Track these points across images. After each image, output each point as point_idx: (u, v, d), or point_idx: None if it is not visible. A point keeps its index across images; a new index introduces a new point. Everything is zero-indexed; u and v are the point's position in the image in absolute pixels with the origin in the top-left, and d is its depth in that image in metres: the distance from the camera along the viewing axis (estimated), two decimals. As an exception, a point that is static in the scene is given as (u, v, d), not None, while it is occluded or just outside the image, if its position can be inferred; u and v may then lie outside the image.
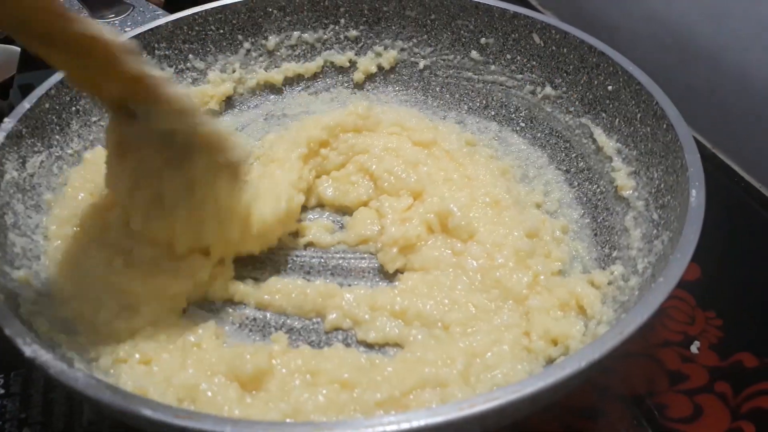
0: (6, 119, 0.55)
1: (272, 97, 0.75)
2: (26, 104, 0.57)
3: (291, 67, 0.75)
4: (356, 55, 0.76)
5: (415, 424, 0.32)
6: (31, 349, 0.36)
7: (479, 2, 0.70)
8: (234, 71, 0.73)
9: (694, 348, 0.56)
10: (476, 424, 0.34)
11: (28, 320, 0.43)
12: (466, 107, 0.73)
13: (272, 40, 0.74)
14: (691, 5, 0.76)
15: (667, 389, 0.53)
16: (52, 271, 0.51)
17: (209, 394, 0.41)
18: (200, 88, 0.71)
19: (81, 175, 0.59)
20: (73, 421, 0.49)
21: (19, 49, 1.02)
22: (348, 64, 0.76)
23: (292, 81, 0.76)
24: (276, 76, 0.74)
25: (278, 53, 0.75)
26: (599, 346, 0.36)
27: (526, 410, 0.37)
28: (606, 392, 0.52)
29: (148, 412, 0.32)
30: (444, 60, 0.74)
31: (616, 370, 0.54)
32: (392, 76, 0.76)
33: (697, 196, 0.45)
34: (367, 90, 0.76)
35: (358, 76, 0.75)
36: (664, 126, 0.53)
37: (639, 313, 0.38)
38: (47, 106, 0.59)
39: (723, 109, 0.76)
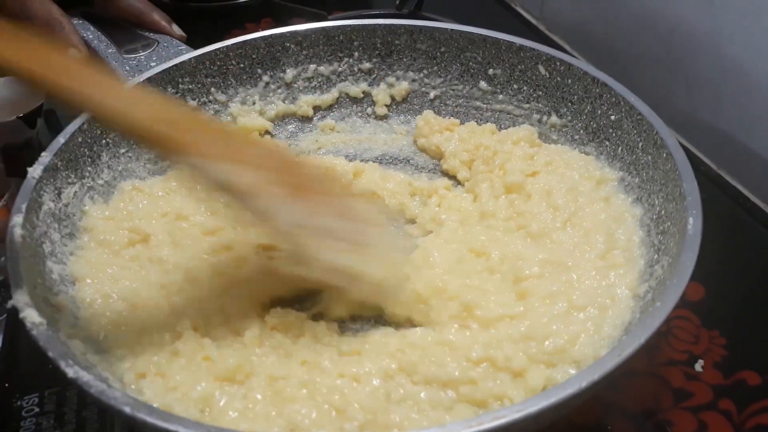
0: (43, 153, 0.59)
1: (290, 126, 0.79)
2: (61, 139, 0.61)
3: (308, 99, 0.79)
4: (369, 86, 0.79)
5: (427, 440, 0.35)
6: (73, 370, 0.40)
7: (487, 35, 0.73)
8: (254, 103, 0.77)
9: (698, 366, 0.57)
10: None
11: (66, 343, 0.46)
12: (475, 135, 0.76)
13: (290, 73, 0.78)
14: (694, 31, 0.79)
15: (672, 406, 0.55)
16: (83, 291, 0.54)
17: (222, 403, 0.45)
18: (241, 123, 0.76)
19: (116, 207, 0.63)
20: (104, 437, 0.52)
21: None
22: (362, 95, 0.79)
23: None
24: (293, 107, 0.78)
25: (295, 85, 0.78)
26: (599, 366, 0.38)
27: (531, 428, 0.39)
28: (613, 409, 0.54)
29: (181, 430, 0.35)
30: (453, 90, 0.77)
31: (623, 387, 0.55)
32: (404, 105, 0.79)
33: (694, 223, 0.47)
34: (380, 119, 0.79)
35: (379, 109, 0.79)
36: (664, 155, 0.55)
37: (637, 336, 0.40)
38: (80, 139, 0.63)
39: (728, 131, 0.78)
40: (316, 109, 0.79)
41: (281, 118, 0.79)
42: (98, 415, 0.53)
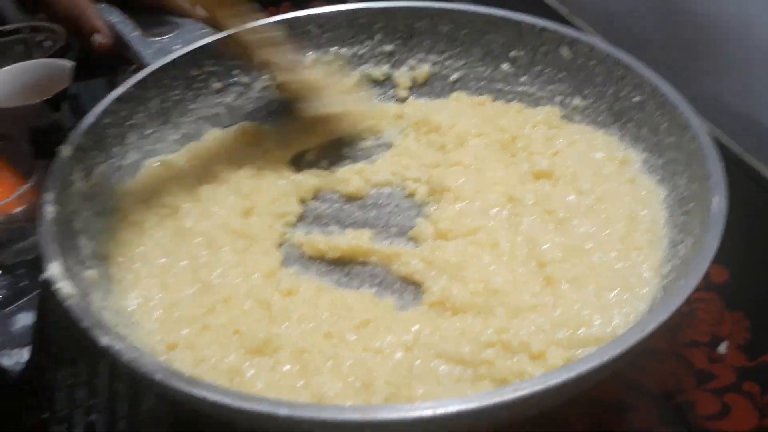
0: (73, 133, 0.60)
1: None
2: (90, 119, 0.62)
3: (331, 81, 0.79)
4: (391, 68, 0.79)
5: (450, 409, 0.35)
6: (106, 339, 0.41)
7: (509, 17, 0.72)
8: (276, 86, 0.78)
9: (722, 348, 0.57)
10: (505, 412, 0.37)
11: (98, 314, 0.47)
12: (497, 117, 0.76)
13: (311, 56, 0.78)
14: (720, 12, 0.78)
15: (695, 387, 0.55)
16: (113, 268, 0.56)
17: (250, 374, 0.46)
18: None
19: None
20: (136, 407, 0.54)
21: (72, 63, 1.07)
22: (383, 78, 0.80)
23: (332, 94, 0.80)
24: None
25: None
26: (621, 342, 0.39)
27: (553, 400, 0.39)
28: (634, 388, 0.54)
29: (212, 396, 0.36)
30: (475, 72, 0.77)
31: (645, 367, 0.56)
32: (425, 88, 0.79)
33: (718, 203, 0.47)
34: (401, 102, 0.79)
35: (401, 92, 0.79)
36: (688, 136, 0.55)
37: (660, 313, 0.40)
38: (107, 120, 0.64)
39: (755, 116, 0.77)
40: (339, 91, 0.80)
41: (303, 101, 0.79)
42: (128, 387, 0.55)
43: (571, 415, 0.52)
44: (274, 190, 0.65)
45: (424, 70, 0.78)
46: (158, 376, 0.38)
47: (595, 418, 0.52)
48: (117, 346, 0.40)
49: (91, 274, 0.51)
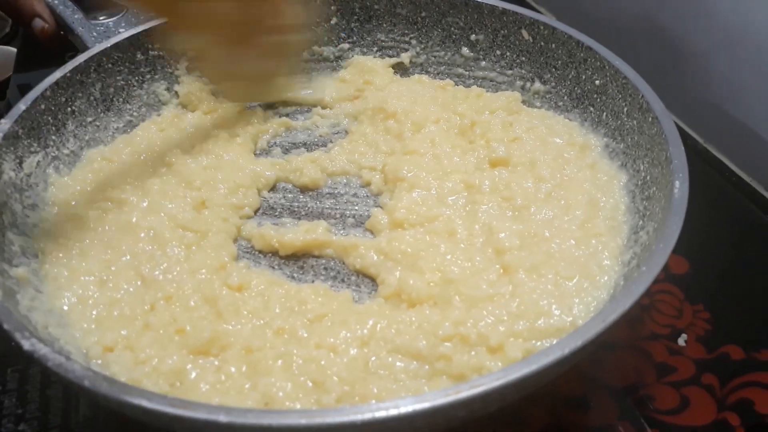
0: (2, 120, 0.56)
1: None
2: (22, 105, 0.58)
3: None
4: (348, 52, 0.77)
5: (403, 410, 0.33)
6: (29, 342, 0.37)
7: (469, -1, 0.71)
8: (227, 71, 0.74)
9: (681, 341, 0.56)
10: (462, 409, 0.35)
11: (26, 316, 0.44)
12: (457, 103, 0.74)
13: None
14: (681, 5, 0.77)
15: (655, 381, 0.54)
16: (47, 264, 0.52)
17: (193, 376, 0.43)
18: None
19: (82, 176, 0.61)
20: (69, 416, 0.50)
21: (15, 49, 1.02)
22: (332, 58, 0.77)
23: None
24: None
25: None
26: (582, 333, 0.37)
27: (512, 396, 0.38)
28: (595, 383, 0.53)
29: (144, 403, 0.33)
30: (435, 57, 0.75)
31: (605, 361, 0.54)
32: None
33: (680, 187, 0.46)
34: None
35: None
36: (650, 119, 0.54)
37: (621, 302, 0.39)
38: (43, 107, 0.60)
39: (715, 104, 0.77)
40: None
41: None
42: (63, 394, 0.51)
43: (529, 412, 0.51)
44: (231, 182, 0.61)
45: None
46: (86, 382, 0.35)
47: (554, 415, 0.51)
48: (42, 350, 0.37)
49: (19, 271, 0.47)
